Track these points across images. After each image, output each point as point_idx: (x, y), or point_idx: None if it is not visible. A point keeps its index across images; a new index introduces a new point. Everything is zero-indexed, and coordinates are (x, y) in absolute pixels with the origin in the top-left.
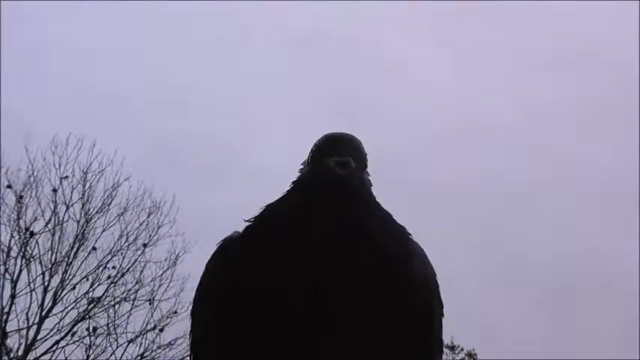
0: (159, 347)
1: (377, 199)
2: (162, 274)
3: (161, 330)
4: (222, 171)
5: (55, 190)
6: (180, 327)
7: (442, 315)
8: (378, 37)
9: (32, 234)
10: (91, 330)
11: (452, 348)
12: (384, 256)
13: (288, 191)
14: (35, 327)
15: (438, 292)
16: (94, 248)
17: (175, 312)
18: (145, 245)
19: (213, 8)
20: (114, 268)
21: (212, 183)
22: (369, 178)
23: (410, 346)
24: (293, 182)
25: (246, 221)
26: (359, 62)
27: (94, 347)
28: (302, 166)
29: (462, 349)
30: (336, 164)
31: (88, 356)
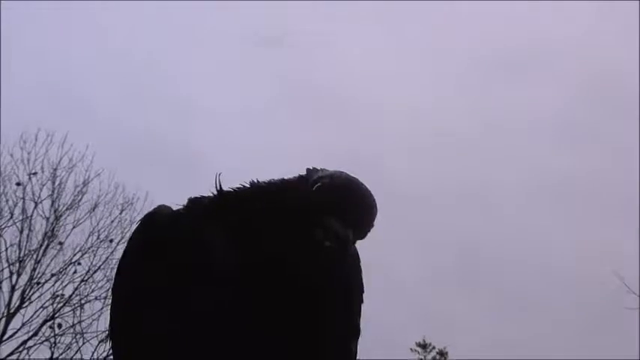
0: None
1: None
2: None
3: None
4: (193, 171)
5: (19, 184)
6: None
7: (362, 300)
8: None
9: None
10: (56, 327)
11: (423, 346)
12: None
13: (268, 188)
14: (2, 326)
15: (360, 274)
16: (60, 244)
17: None
18: (111, 241)
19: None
20: (79, 264)
21: (184, 182)
22: None
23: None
24: (284, 184)
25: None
26: (331, 65)
27: (59, 345)
28: (303, 175)
29: (434, 348)
30: (333, 234)
31: (52, 354)
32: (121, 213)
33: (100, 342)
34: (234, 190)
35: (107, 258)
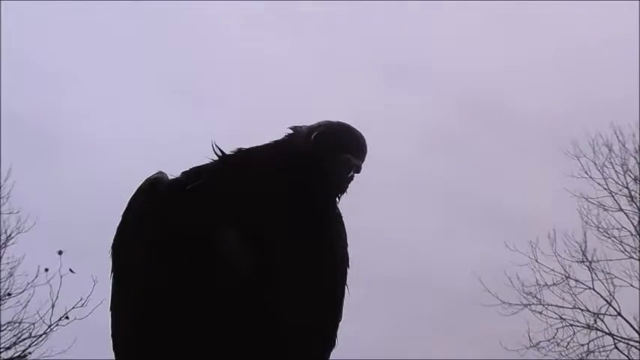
0: None
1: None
2: None
3: None
4: (58, 147)
5: None
6: (9, 313)
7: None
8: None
9: None
10: None
11: None
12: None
13: (268, 147)
14: None
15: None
16: None
17: (9, 294)
18: None
19: None
20: None
21: (49, 160)
22: None
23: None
24: (280, 142)
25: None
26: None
27: None
28: (292, 132)
29: None
30: (351, 166)
31: None
32: None
33: None
34: (234, 155)
35: None
